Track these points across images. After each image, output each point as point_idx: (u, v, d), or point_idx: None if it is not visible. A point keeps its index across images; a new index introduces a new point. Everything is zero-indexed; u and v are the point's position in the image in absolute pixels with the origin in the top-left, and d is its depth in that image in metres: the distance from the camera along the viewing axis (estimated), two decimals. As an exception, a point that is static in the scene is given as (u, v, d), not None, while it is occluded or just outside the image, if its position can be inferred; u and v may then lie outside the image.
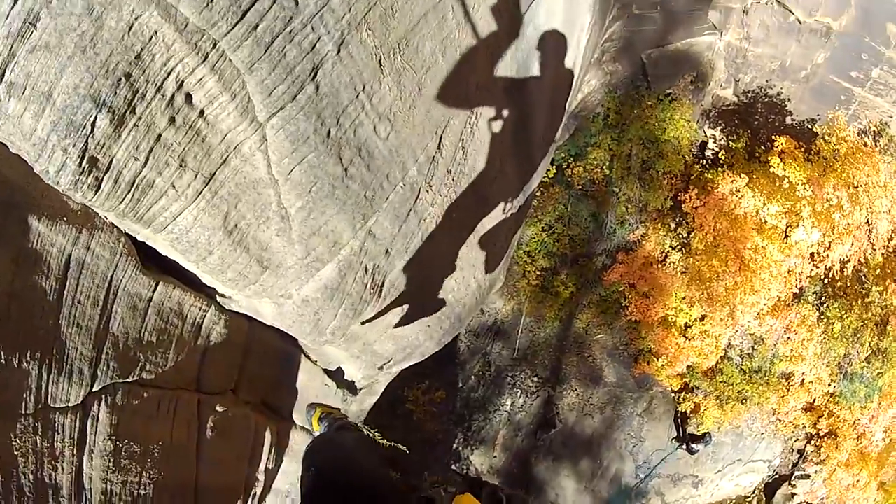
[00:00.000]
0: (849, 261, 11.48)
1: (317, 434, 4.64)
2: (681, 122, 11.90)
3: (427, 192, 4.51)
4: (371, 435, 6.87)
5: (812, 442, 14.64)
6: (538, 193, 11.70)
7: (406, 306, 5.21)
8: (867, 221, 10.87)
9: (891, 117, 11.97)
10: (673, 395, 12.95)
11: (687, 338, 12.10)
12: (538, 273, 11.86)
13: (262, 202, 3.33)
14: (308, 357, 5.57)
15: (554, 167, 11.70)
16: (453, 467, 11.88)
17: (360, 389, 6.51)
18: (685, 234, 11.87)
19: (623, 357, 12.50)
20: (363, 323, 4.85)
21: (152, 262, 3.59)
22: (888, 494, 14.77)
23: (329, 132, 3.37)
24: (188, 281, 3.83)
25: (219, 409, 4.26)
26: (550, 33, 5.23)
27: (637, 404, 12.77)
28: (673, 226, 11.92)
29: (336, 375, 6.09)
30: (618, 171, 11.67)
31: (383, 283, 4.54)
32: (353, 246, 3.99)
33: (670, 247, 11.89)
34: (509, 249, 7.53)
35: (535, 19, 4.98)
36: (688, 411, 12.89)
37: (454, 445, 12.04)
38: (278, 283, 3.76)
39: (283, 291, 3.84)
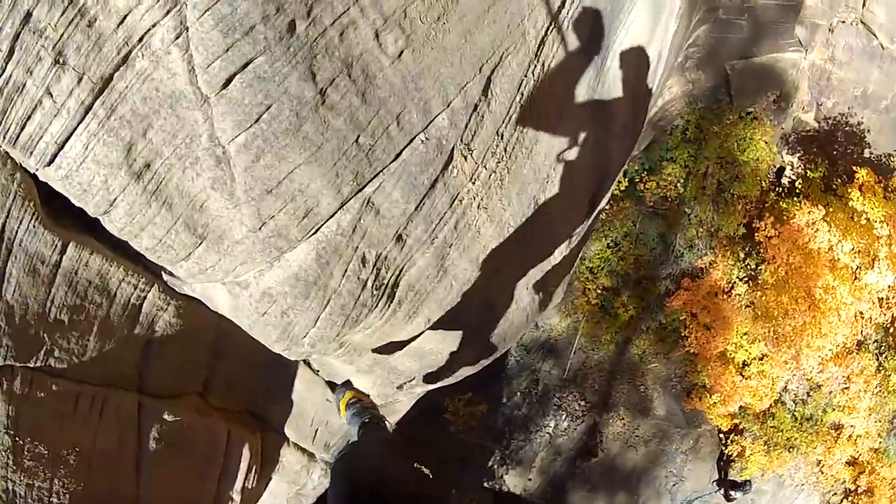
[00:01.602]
0: None
1: (343, 420, 4.13)
2: (761, 143, 11.57)
3: (465, 157, 3.28)
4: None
5: (849, 498, 14.20)
6: (607, 207, 11.26)
7: (433, 315, 4.22)
8: None
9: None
10: (721, 435, 12.48)
11: (744, 376, 11.71)
12: (599, 292, 11.43)
13: (185, 132, 2.33)
14: (307, 364, 4.65)
15: (626, 180, 11.32)
16: (485, 485, 11.30)
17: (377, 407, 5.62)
18: (754, 266, 11.50)
19: (676, 390, 12.06)
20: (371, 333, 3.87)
21: (77, 220, 2.66)
22: None
23: (293, 26, 2.31)
24: (120, 248, 2.84)
25: (167, 417, 3.52)
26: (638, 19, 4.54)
27: (683, 441, 12.31)
28: (742, 255, 11.54)
29: (342, 386, 5.16)
30: (692, 190, 11.29)
31: (396, 284, 3.42)
32: (342, 221, 2.87)
33: (738, 278, 11.51)
34: (575, 262, 6.89)
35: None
36: (733, 454, 12.42)
37: (489, 463, 11.50)
38: (222, 264, 2.75)
39: (232, 276, 2.86)
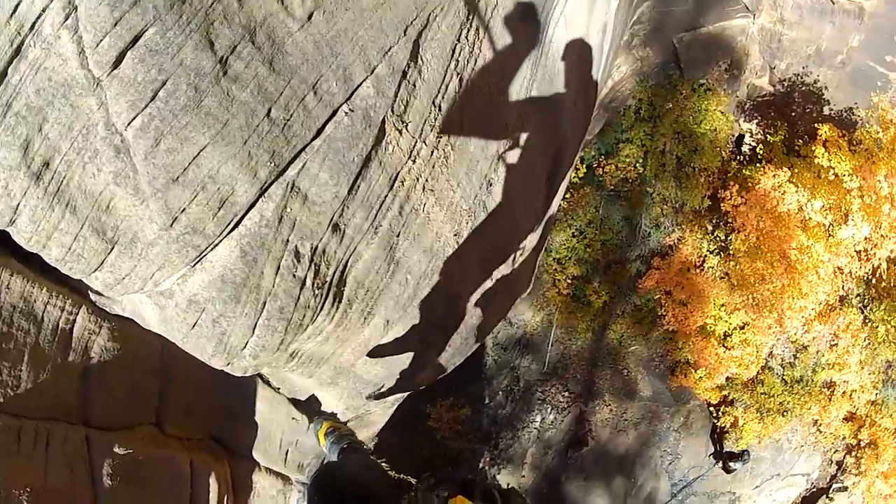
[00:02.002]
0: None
1: (324, 449, 4.13)
2: (716, 113, 11.44)
3: (399, 131, 3.00)
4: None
5: (852, 453, 14.18)
6: (567, 196, 11.19)
7: (392, 315, 3.99)
8: None
9: (929, 105, 11.54)
10: (711, 408, 12.45)
11: (727, 347, 11.65)
12: (569, 282, 11.37)
13: (81, 122, 2.15)
14: (267, 382, 4.35)
15: (584, 166, 11.23)
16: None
17: (348, 422, 5.33)
18: (723, 237, 11.39)
19: (659, 369, 12.03)
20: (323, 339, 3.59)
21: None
22: None
23: (184, -11, 2.09)
24: (45, 268, 2.60)
25: (119, 450, 3.24)
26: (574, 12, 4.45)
27: (674, 419, 12.29)
28: (711, 228, 11.44)
29: (309, 406, 4.82)
30: (652, 168, 11.19)
31: (342, 281, 3.15)
32: (265, 211, 2.60)
33: (708, 251, 11.42)
34: (542, 248, 6.79)
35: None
36: (727, 426, 12.40)
37: (480, 464, 11.52)
38: (139, 271, 2.49)
39: (152, 284, 2.58)
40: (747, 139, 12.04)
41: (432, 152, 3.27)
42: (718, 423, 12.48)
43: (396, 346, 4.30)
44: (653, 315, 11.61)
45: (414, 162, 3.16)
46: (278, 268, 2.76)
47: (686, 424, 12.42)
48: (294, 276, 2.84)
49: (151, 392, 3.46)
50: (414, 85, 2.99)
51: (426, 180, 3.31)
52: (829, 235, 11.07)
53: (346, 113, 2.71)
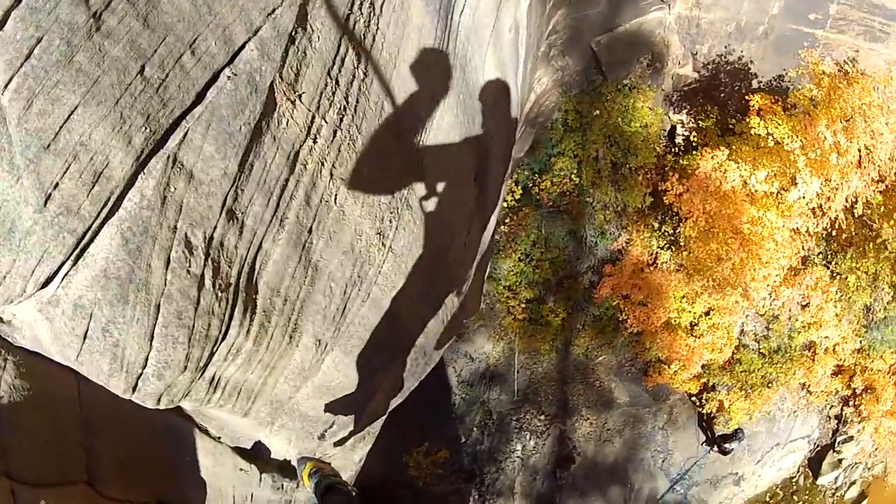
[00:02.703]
0: (853, 206, 10.74)
1: (308, 490, 4.17)
2: (644, 110, 11.18)
3: (292, 101, 2.77)
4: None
5: (849, 403, 14.10)
6: (507, 221, 10.96)
7: (322, 333, 3.62)
8: (865, 147, 10.04)
9: (857, 51, 11.31)
10: (693, 399, 12.31)
11: (696, 336, 11.48)
12: (523, 306, 11.15)
13: None
14: (205, 431, 3.94)
15: (519, 188, 10.96)
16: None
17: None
18: (672, 231, 11.15)
19: (631, 373, 11.87)
20: (250, 366, 3.22)
21: None
22: None
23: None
24: None
25: None
26: (480, 27, 4.27)
27: (657, 418, 12.17)
28: (657, 224, 11.19)
29: (257, 454, 4.39)
30: (587, 177, 10.92)
31: (251, 285, 2.87)
32: (145, 189, 2.35)
33: (658, 247, 11.21)
34: (485, 266, 6.53)
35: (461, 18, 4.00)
36: (713, 411, 12.28)
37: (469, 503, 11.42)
38: (18, 267, 2.22)
39: (34, 285, 2.30)
40: (679, 130, 11.81)
41: (335, 132, 3.05)
42: (704, 411, 12.36)
43: (339, 374, 4.05)
44: (614, 322, 11.42)
45: (315, 141, 2.95)
46: (168, 260, 2.48)
47: (671, 420, 12.30)
48: (188, 271, 2.56)
49: (75, 445, 3.07)
50: (304, 52, 2.78)
51: (333, 165, 3.09)
52: (780, 201, 10.86)
53: (229, 77, 2.51)
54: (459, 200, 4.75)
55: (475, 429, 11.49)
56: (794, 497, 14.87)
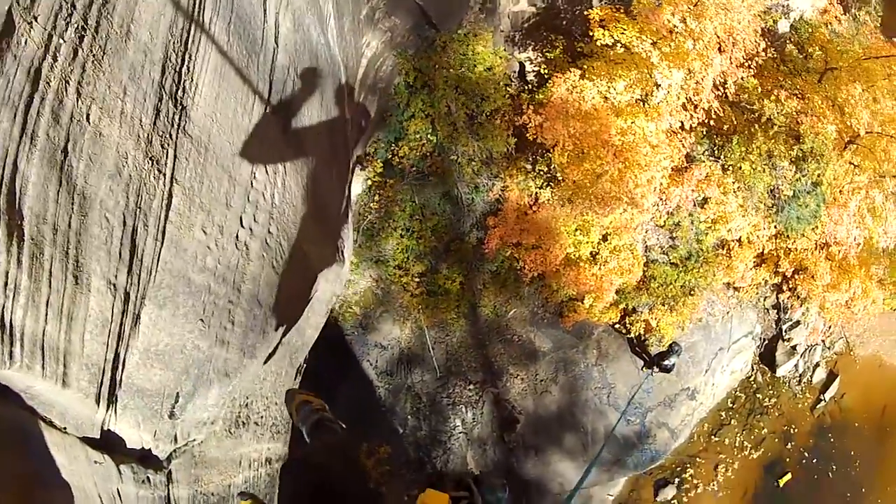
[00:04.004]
0: (725, 90, 10.75)
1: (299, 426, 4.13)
2: (486, 53, 11.10)
3: (28, 23, 2.96)
4: None
5: (783, 289, 14.09)
6: (376, 199, 10.79)
7: (113, 275, 3.49)
8: (724, 29, 10.03)
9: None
10: (617, 326, 12.21)
11: (600, 264, 11.39)
12: (417, 281, 10.99)
13: None
14: (50, 423, 3.68)
15: (379, 162, 10.78)
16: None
17: (170, 460, 4.63)
18: (547, 168, 11.04)
19: (547, 318, 11.75)
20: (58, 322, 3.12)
21: None
22: (893, 275, 14.41)
23: None
24: None
25: None
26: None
27: (587, 356, 12.07)
28: (530, 166, 11.08)
29: (111, 444, 4.11)
30: (444, 133, 10.80)
31: (13, 204, 2.91)
32: None
33: (537, 187, 11.09)
34: (333, 208, 6.37)
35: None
36: (641, 333, 12.18)
37: (427, 492, 11.11)
38: None
39: None
40: (529, 67, 11.81)
41: (75, 51, 3.15)
42: (632, 336, 12.26)
43: (166, 334, 3.85)
44: (513, 272, 11.29)
45: (55, 59, 3.05)
46: None
47: (602, 354, 12.20)
48: None
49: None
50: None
51: (79, 83, 3.16)
52: (646, 106, 10.85)
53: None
54: (255, 135, 4.68)
55: (409, 416, 11.26)
56: (758, 395, 14.91)
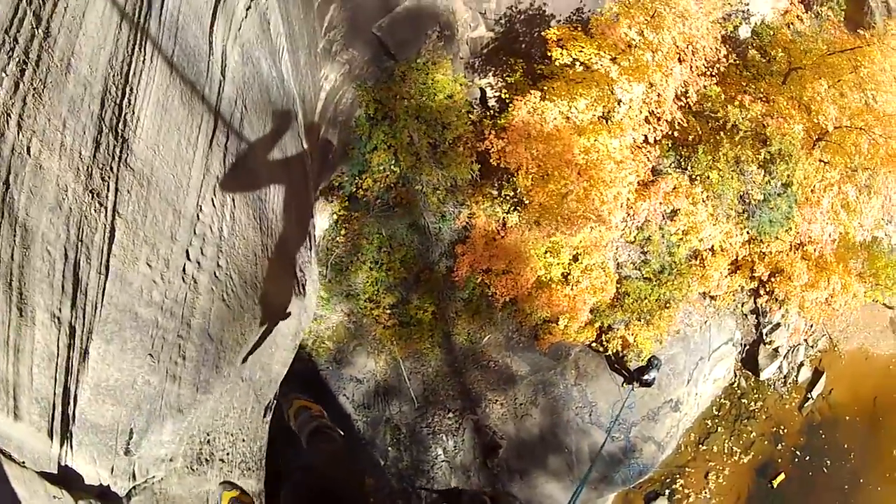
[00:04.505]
0: (687, 99, 10.79)
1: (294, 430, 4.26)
2: (444, 80, 11.15)
3: None
4: None
5: (760, 293, 14.14)
6: (343, 233, 10.82)
7: (57, 307, 3.55)
8: (683, 38, 10.08)
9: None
10: (594, 345, 12.26)
11: (572, 285, 11.43)
12: (389, 313, 11.02)
13: None
14: (9, 456, 3.70)
15: (344, 196, 10.81)
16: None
17: (130, 497, 4.58)
18: (513, 192, 11.08)
19: (522, 342, 11.79)
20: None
21: None
22: (872, 267, 14.38)
23: None
24: None
25: None
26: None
27: (565, 376, 12.11)
28: (496, 192, 11.13)
29: (69, 480, 4.06)
30: (407, 163, 10.83)
31: None
32: None
33: (504, 212, 11.14)
34: (283, 239, 6.39)
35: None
36: (619, 350, 12.22)
37: (411, 523, 11.14)
38: None
39: None
40: (489, 93, 11.89)
41: (17, 84, 3.14)
42: (610, 354, 12.30)
43: (115, 369, 3.83)
44: (485, 299, 11.34)
45: None
46: None
47: (581, 374, 12.24)
48: None
49: None
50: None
51: (20, 116, 3.15)
52: (608, 123, 10.90)
53: None
54: (200, 170, 4.67)
55: (389, 448, 11.25)
56: (743, 400, 14.96)
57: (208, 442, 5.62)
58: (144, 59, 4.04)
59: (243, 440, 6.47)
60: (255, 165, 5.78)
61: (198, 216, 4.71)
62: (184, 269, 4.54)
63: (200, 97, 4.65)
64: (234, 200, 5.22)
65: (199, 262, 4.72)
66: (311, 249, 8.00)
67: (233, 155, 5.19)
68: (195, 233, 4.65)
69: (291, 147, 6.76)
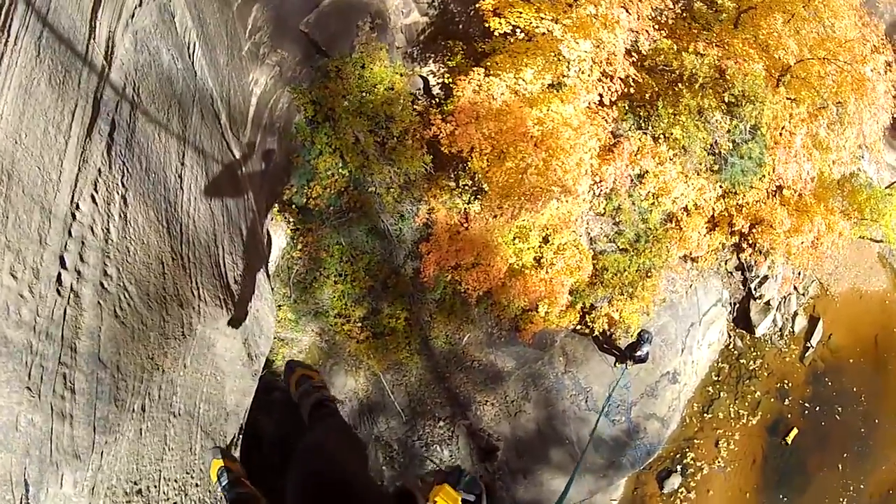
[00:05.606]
0: (639, 52, 10.44)
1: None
2: (383, 71, 10.70)
3: None
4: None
5: (743, 247, 13.86)
6: (300, 248, 10.33)
7: None
8: None
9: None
10: (578, 328, 11.85)
11: (546, 268, 10.99)
12: (360, 326, 10.54)
13: None
14: None
15: (295, 209, 10.30)
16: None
17: None
18: (471, 181, 10.62)
19: (504, 336, 11.35)
20: None
21: None
22: (854, 202, 14.13)
23: None
24: None
25: None
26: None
27: (554, 365, 11.71)
28: (453, 184, 10.68)
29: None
30: (355, 164, 10.34)
31: None
32: None
33: (464, 203, 10.70)
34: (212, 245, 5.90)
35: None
36: (606, 329, 11.82)
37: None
38: None
39: None
40: (432, 80, 11.46)
41: None
42: (597, 334, 11.91)
43: None
44: (458, 296, 10.89)
45: None
46: None
47: (570, 360, 11.86)
48: None
49: None
50: None
51: None
52: (560, 91, 10.51)
53: None
54: (74, 162, 4.11)
55: (383, 467, 10.78)
56: (742, 360, 14.67)
57: (139, 492, 5.02)
58: (7, 41, 3.49)
59: (197, 485, 5.88)
60: (159, 162, 5.19)
61: (73, 215, 4.09)
62: (59, 280, 3.97)
63: (77, 81, 4.13)
64: (124, 198, 4.62)
65: (78, 271, 4.12)
66: (258, 262, 7.43)
67: (122, 147, 4.65)
68: (70, 235, 4.03)
69: (212, 148, 6.24)
